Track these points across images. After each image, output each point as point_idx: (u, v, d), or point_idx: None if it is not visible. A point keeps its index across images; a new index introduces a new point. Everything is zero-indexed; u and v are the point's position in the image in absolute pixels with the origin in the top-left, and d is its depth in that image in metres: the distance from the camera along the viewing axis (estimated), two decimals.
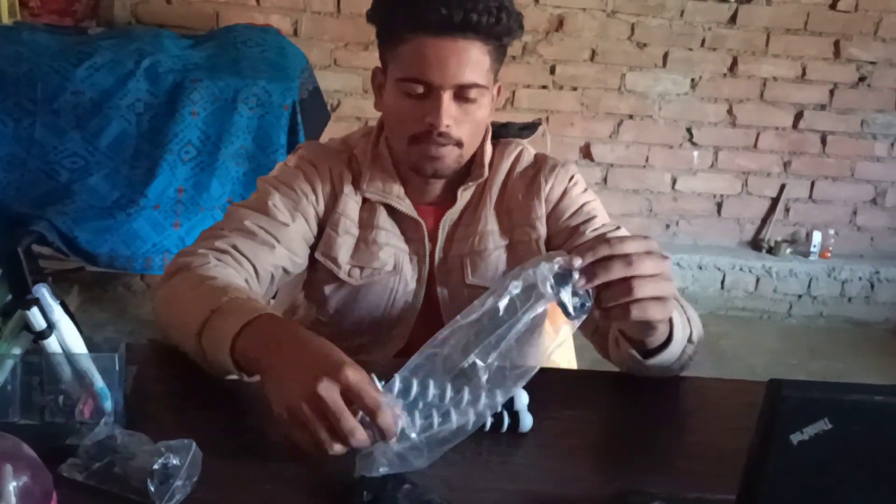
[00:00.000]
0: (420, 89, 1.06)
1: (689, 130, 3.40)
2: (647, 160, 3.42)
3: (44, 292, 0.80)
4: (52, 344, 0.81)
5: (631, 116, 3.36)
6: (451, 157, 1.11)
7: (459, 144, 1.10)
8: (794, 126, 3.42)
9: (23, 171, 2.38)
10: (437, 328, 1.18)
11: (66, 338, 0.82)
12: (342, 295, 1.19)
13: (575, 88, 3.30)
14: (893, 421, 0.54)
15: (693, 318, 0.99)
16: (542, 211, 1.19)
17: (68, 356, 0.82)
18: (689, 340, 0.97)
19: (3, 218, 2.30)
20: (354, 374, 0.77)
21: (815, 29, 3.28)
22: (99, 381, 0.82)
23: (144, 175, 2.38)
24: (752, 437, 0.56)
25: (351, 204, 1.18)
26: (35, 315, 0.79)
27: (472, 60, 1.04)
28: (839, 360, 3.18)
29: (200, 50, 2.59)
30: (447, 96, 1.05)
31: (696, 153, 3.43)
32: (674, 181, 3.46)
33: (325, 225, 1.18)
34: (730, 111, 3.38)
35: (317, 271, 1.20)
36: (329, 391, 0.75)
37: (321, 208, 1.18)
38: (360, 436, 0.76)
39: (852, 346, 3.32)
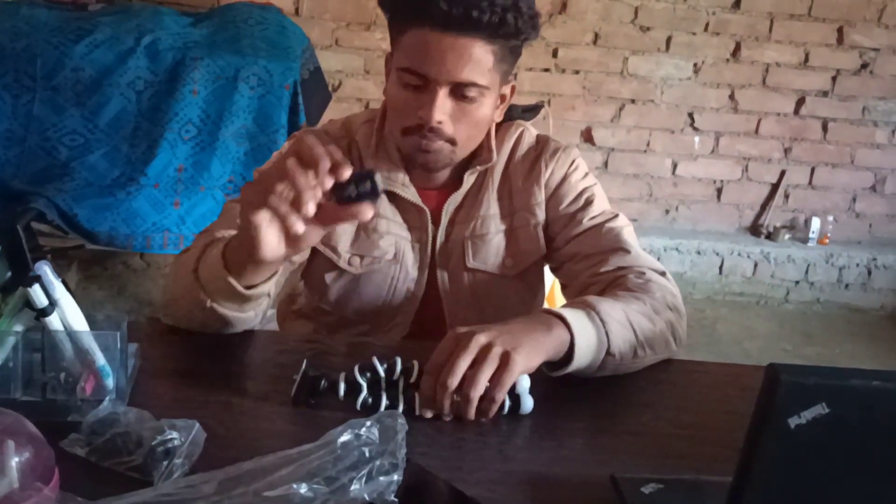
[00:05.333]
0: (417, 81, 1.04)
1: (690, 115, 3.39)
2: (647, 145, 3.42)
3: (46, 270, 0.80)
4: (53, 321, 0.81)
5: (633, 101, 3.35)
6: (442, 153, 1.10)
7: (452, 142, 1.09)
8: (796, 112, 3.41)
9: (22, 148, 2.37)
10: (437, 314, 1.19)
11: (68, 315, 0.82)
12: (343, 283, 1.19)
13: (577, 72, 3.29)
14: (890, 406, 0.55)
15: (612, 331, 0.95)
16: (541, 197, 1.19)
17: (70, 334, 0.82)
18: (609, 353, 0.95)
19: (2, 195, 2.29)
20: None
21: (819, 15, 3.27)
22: (100, 359, 0.83)
23: (144, 153, 2.38)
24: (749, 420, 0.56)
25: None
26: (37, 292, 0.79)
27: (472, 59, 1.02)
28: (834, 345, 3.19)
29: (201, 28, 2.57)
30: (442, 92, 1.04)
31: (697, 138, 3.42)
32: (674, 166, 3.46)
33: None
34: (731, 97, 3.37)
35: (317, 259, 1.19)
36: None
37: None
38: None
39: (847, 332, 3.33)
